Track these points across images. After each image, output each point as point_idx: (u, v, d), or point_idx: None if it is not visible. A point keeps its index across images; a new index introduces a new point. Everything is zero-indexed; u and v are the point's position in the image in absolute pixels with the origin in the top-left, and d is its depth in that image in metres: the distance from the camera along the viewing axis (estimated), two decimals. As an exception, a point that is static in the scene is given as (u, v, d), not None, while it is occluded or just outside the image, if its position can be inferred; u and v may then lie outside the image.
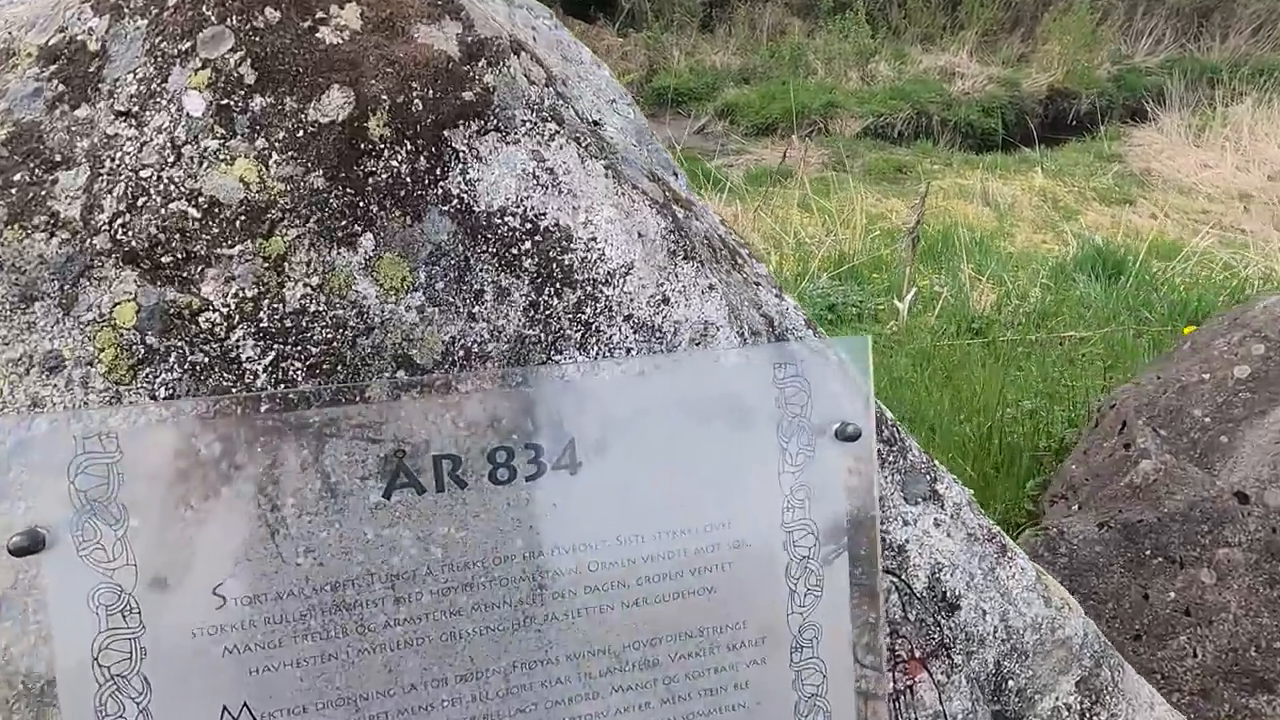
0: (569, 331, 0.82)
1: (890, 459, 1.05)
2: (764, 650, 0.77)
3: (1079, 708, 1.13)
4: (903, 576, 1.04)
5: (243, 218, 0.71)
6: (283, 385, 0.72)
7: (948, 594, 1.06)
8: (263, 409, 0.67)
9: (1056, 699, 1.12)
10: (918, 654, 1.01)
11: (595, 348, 0.83)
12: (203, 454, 0.65)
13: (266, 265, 0.71)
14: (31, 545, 0.60)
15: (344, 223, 0.73)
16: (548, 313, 0.81)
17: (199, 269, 0.71)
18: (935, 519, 1.08)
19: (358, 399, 0.69)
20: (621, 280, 0.85)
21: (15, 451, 0.61)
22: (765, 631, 0.77)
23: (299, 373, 0.72)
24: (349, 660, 0.67)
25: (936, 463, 1.12)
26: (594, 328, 0.83)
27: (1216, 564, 1.94)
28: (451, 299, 0.78)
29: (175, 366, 0.71)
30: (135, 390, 0.69)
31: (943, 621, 1.05)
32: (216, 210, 0.71)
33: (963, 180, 9.48)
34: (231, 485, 0.65)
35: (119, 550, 0.63)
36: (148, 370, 0.70)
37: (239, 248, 0.71)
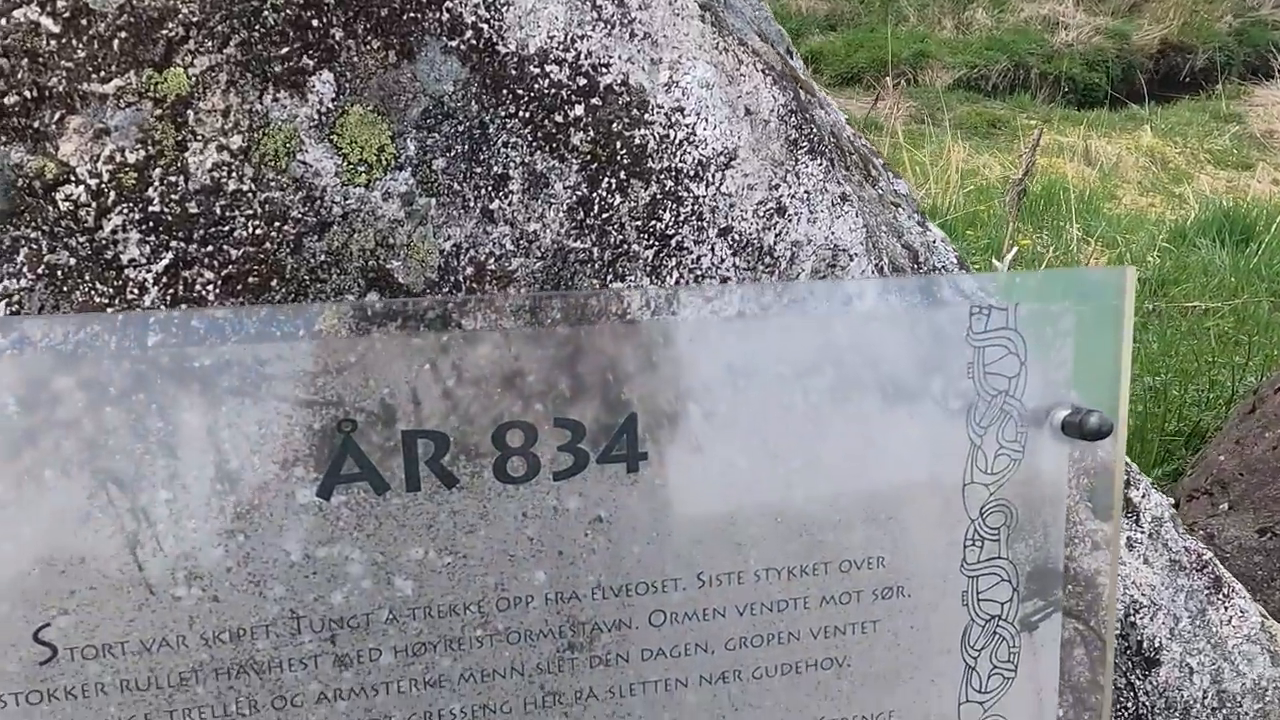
0: (636, 247, 0.54)
1: (1074, 457, 0.74)
2: (918, 758, 0.49)
3: (1304, 806, 0.82)
4: (1093, 623, 0.74)
5: (124, 34, 0.44)
6: (184, 306, 0.45)
7: (1144, 644, 0.76)
8: (149, 341, 0.41)
9: (1274, 792, 0.81)
10: (1105, 733, 0.72)
11: (675, 273, 0.55)
12: (50, 410, 0.39)
13: (160, 113, 0.44)
14: None
15: (286, 50, 0.46)
16: (605, 216, 0.53)
17: (56, 116, 0.44)
18: (1129, 538, 0.78)
19: (299, 333, 0.42)
20: (719, 175, 0.56)
21: None
22: (921, 730, 0.49)
23: (209, 288, 0.46)
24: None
25: (1131, 463, 0.82)
26: (674, 243, 0.55)
27: None
28: (458, 186, 0.50)
29: (24, 270, 0.45)
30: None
31: (1136, 684, 0.75)
32: (84, 22, 0.44)
33: (1062, 137, 8.81)
34: (81, 459, 0.39)
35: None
36: (-22, 272, 0.44)
37: (116, 83, 0.44)
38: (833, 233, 0.62)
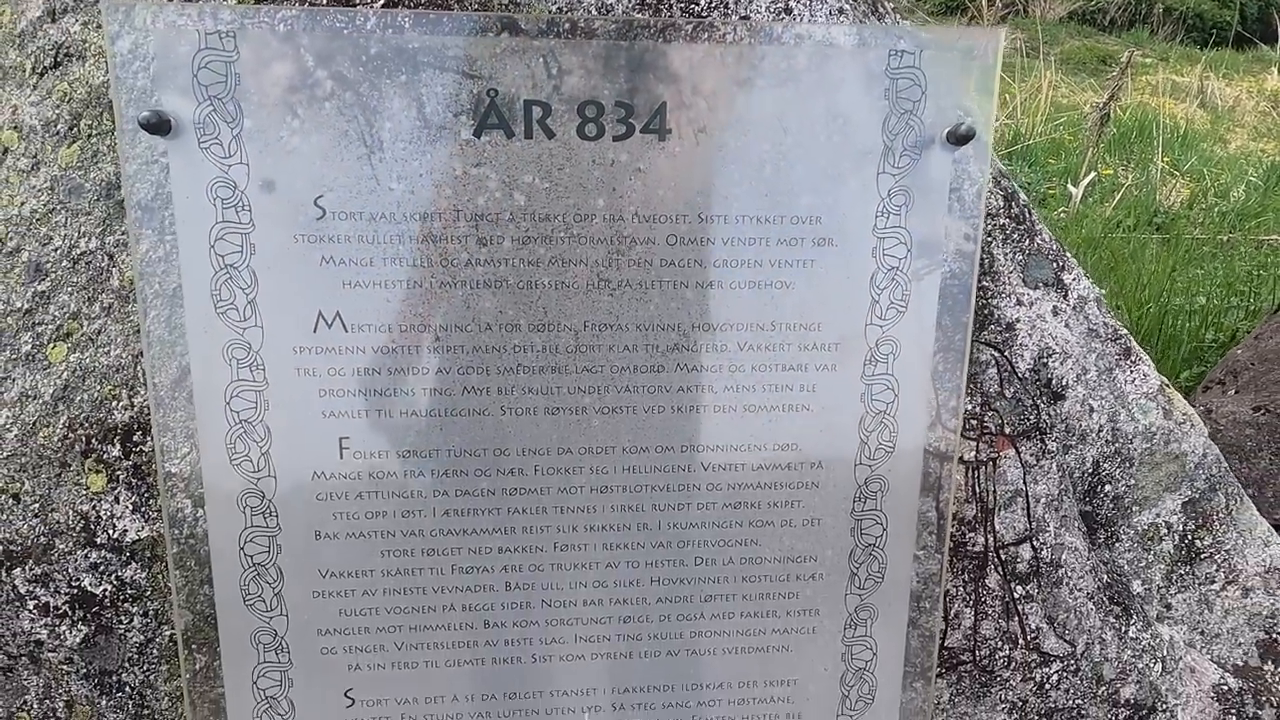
0: (679, 20, 0.79)
1: (1015, 238, 0.97)
2: (836, 357, 0.76)
3: (1181, 528, 1.06)
4: (1006, 353, 0.98)
5: None
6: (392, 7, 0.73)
7: (1053, 381, 1.00)
8: (368, 26, 0.69)
9: (1157, 515, 1.05)
10: (1008, 430, 0.97)
11: (707, 42, 0.80)
12: (312, 68, 0.68)
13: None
14: (159, 125, 0.65)
15: None
16: (659, -1, 0.78)
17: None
18: (1054, 306, 1.01)
19: (467, 31, 0.69)
20: (741, -24, 0.81)
21: (149, 41, 0.66)
22: (840, 339, 0.76)
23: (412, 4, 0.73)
24: (431, 290, 0.71)
25: (1069, 254, 1.04)
26: (707, 21, 0.80)
27: (1389, 463, 1.74)
28: (563, -31, 0.76)
29: None
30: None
31: (1041, 406, 0.99)
32: None
33: (1178, 77, 8.40)
34: (335, 101, 0.68)
35: (234, 148, 0.68)
36: None
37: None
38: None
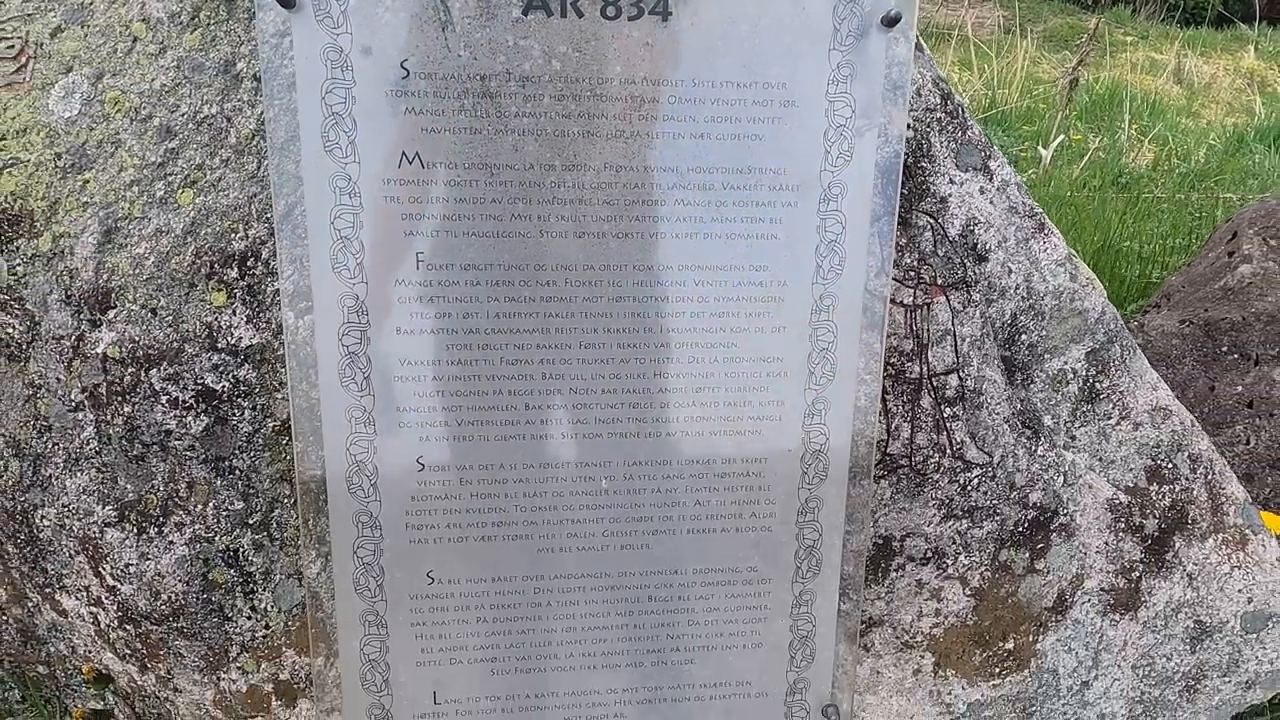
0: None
1: (950, 129, 1.20)
2: (797, 196, 0.99)
3: (1084, 374, 1.30)
4: (939, 220, 1.21)
5: None
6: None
7: (978, 245, 1.23)
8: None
9: (1065, 362, 1.29)
10: (940, 281, 1.20)
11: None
12: None
13: None
14: (288, 0, 0.87)
15: None
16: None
17: None
18: (981, 187, 1.24)
19: (510, -46, 0.91)
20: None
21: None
22: (800, 181, 0.98)
23: (469, -71, 0.95)
24: (488, 136, 0.93)
25: (996, 147, 1.27)
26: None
27: (1293, 363, 1.99)
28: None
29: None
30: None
31: (968, 265, 1.23)
32: None
33: (1157, 54, 8.64)
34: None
35: (342, 21, 0.89)
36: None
37: None
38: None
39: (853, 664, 1.24)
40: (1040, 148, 4.73)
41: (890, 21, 0.94)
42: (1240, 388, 2.03)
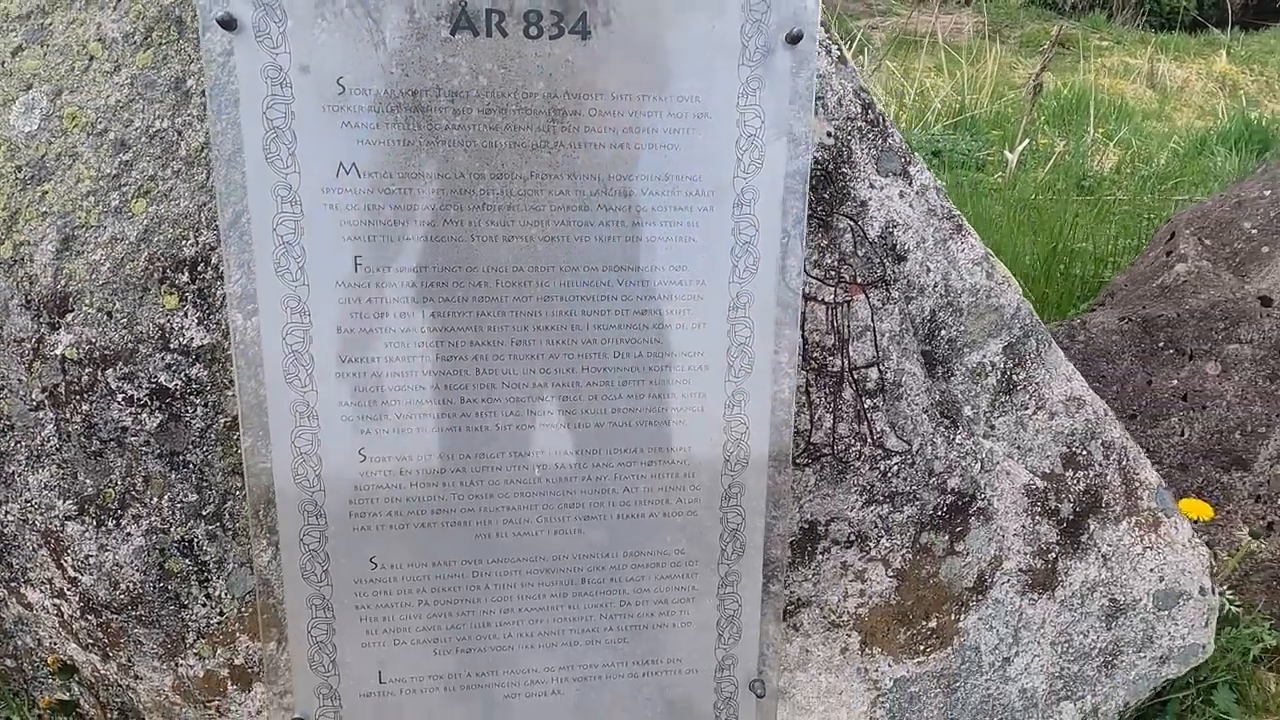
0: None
1: (870, 137, 1.28)
2: (713, 201, 1.06)
3: (1002, 366, 1.37)
4: (859, 223, 1.29)
5: None
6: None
7: (897, 246, 1.30)
8: (376, -24, 0.97)
9: (984, 356, 1.36)
10: (860, 280, 1.28)
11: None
12: None
13: None
14: (229, 22, 0.94)
15: None
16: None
17: None
18: (901, 191, 1.31)
19: (440, -23, 0.98)
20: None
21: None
22: (715, 187, 1.06)
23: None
24: (420, 147, 1.00)
25: (916, 154, 1.34)
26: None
27: (1224, 357, 2.08)
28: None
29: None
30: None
31: (888, 264, 1.30)
32: None
33: (1131, 59, 8.79)
34: (352, 9, 0.96)
35: (281, 40, 0.96)
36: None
37: None
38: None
39: (781, 642, 1.30)
40: (1007, 152, 4.83)
41: (794, 39, 1.01)
42: (1175, 381, 2.12)
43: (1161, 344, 2.16)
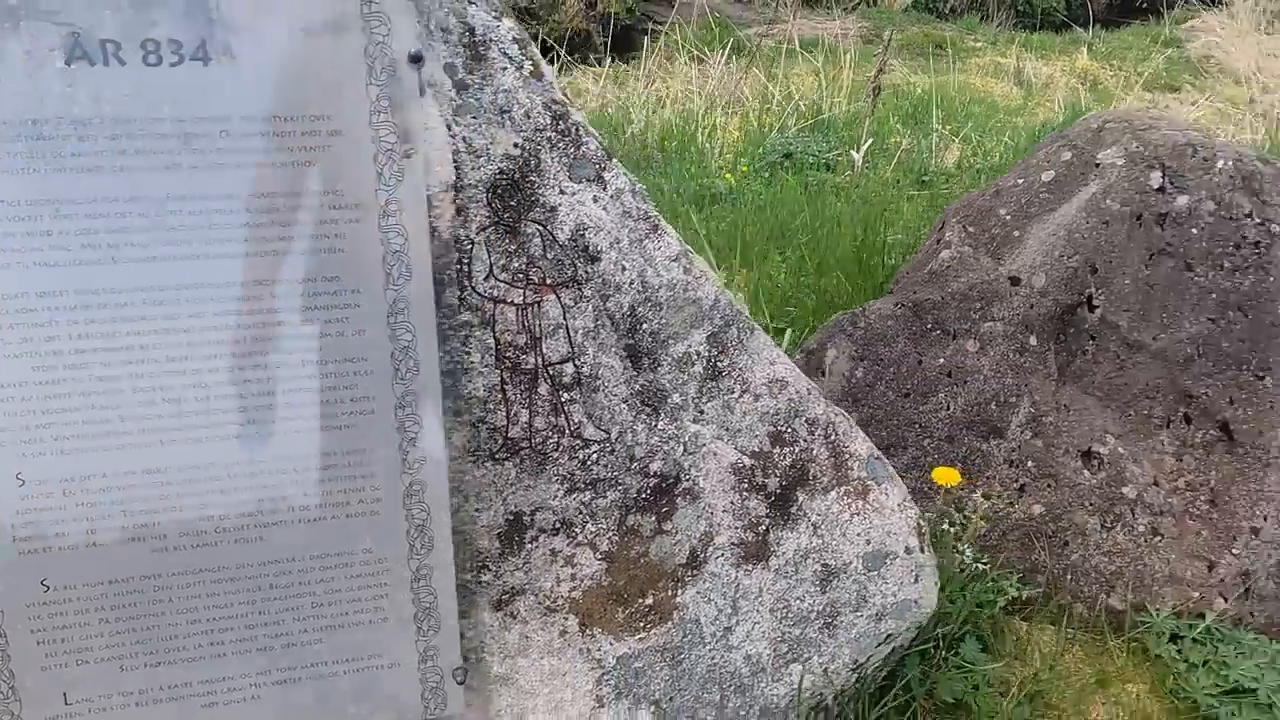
0: None
1: (561, 146, 1.35)
2: (359, 213, 1.11)
3: (707, 354, 1.46)
4: (548, 227, 1.36)
5: None
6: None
7: (589, 247, 1.38)
8: (-2, 10, 1.00)
9: (689, 346, 1.45)
10: (549, 281, 1.35)
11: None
12: None
13: None
14: None
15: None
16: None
17: None
18: (594, 196, 1.39)
19: None
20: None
21: None
22: (359, 201, 1.11)
23: (25, -12, 1.04)
24: (45, 174, 1.02)
25: (615, 160, 1.42)
26: None
27: (981, 335, 2.24)
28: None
29: None
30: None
31: (579, 265, 1.38)
32: None
33: (1002, 59, 9.24)
34: None
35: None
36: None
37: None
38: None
39: (500, 630, 1.36)
40: (853, 151, 5.04)
41: (415, 59, 1.08)
42: (942, 359, 2.27)
43: (929, 325, 2.31)
